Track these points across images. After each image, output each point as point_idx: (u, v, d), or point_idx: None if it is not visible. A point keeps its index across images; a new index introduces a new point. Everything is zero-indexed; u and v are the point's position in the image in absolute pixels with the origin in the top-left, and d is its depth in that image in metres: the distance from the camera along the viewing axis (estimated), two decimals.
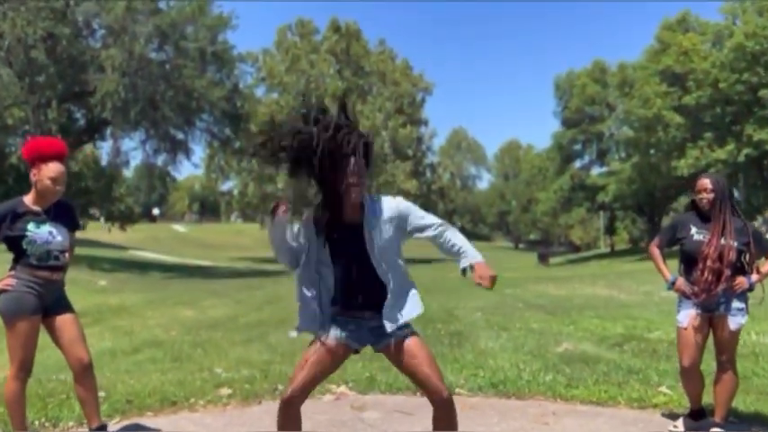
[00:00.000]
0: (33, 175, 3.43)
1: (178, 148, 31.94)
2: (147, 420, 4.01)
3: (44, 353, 7.31)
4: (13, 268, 3.43)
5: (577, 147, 49.45)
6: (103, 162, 43.38)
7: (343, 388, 4.81)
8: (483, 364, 5.62)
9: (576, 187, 48.16)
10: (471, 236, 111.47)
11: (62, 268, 3.60)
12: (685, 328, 3.70)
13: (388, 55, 54.95)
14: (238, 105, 31.46)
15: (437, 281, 24.14)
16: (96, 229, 51.29)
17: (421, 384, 2.81)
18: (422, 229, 2.93)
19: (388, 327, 2.77)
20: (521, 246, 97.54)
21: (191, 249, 53.11)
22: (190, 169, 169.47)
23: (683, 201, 50.92)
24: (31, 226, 3.40)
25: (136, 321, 10.72)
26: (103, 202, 49.33)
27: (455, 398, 4.57)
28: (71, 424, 3.88)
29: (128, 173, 49.93)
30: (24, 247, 3.39)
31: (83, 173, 45.13)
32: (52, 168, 3.42)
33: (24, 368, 3.47)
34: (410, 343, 2.80)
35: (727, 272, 3.60)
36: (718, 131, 32.90)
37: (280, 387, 4.79)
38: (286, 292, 16.32)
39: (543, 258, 44.72)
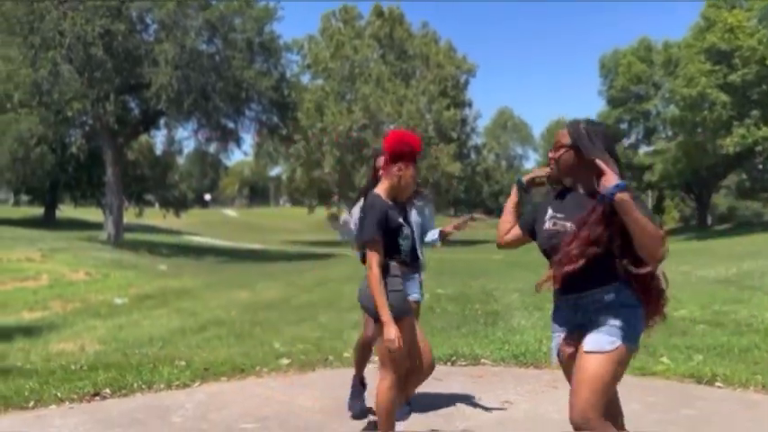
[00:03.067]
0: (398, 170, 3.25)
1: (229, 137, 33.11)
2: (222, 384, 4.85)
3: (124, 331, 8.30)
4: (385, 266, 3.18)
5: (623, 126, 49.00)
6: (158, 151, 45.09)
7: None
8: (510, 340, 6.31)
9: (623, 166, 47.65)
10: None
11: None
12: None
13: (431, 38, 55.11)
14: (285, 94, 32.39)
15: (480, 263, 24.74)
16: (153, 216, 53.27)
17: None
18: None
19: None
20: None
21: (242, 233, 54.69)
22: (240, 156, 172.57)
23: (732, 179, 50.11)
24: (401, 221, 3.27)
25: (198, 303, 11.68)
26: (158, 189, 51.19)
27: (480, 367, 5.31)
28: (162, 386, 4.73)
29: (180, 160, 51.54)
30: (400, 242, 3.24)
31: (138, 161, 46.95)
32: (414, 168, 3.35)
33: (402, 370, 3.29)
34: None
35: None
36: (764, 109, 32.40)
37: (330, 358, 5.58)
38: (334, 275, 17.20)
39: None
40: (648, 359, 5.25)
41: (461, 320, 8.21)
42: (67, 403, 4.21)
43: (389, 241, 3.17)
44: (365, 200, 3.39)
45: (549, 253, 2.63)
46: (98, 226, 31.48)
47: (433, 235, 4.17)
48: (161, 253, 27.41)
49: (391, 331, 3.01)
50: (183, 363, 5.36)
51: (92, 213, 49.06)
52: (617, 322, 2.44)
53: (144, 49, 28.78)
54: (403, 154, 3.26)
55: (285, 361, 5.48)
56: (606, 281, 2.48)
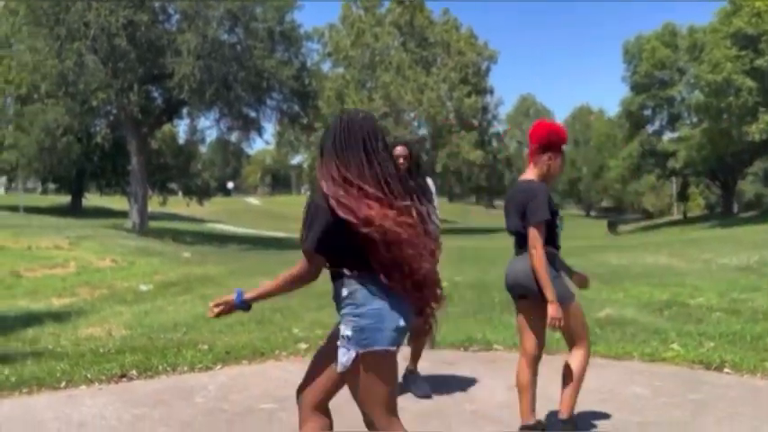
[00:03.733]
0: (548, 159, 3.38)
1: (250, 126, 33.40)
2: (243, 367, 5.05)
3: (149, 317, 8.56)
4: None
5: (647, 112, 48.43)
6: (181, 140, 45.59)
7: None
8: None
9: (646, 153, 47.35)
10: None
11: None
12: None
13: (452, 24, 54.87)
14: (306, 83, 32.56)
15: (499, 251, 24.78)
16: (176, 204, 53.92)
17: None
18: None
19: None
20: (592, 213, 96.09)
21: (264, 221, 55.15)
22: (261, 144, 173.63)
23: (759, 166, 49.35)
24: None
25: (221, 290, 11.91)
26: (181, 178, 51.80)
27: (492, 353, 5.45)
28: (186, 368, 4.94)
29: (203, 149, 52.11)
30: (557, 225, 3.45)
31: (162, 150, 47.53)
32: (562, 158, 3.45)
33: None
34: None
35: None
36: None
37: None
38: None
39: (612, 227, 44.42)
40: (659, 346, 5.35)
41: (478, 307, 8.33)
42: (97, 384, 4.44)
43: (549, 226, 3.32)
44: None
45: None
46: (123, 214, 32.02)
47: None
48: (185, 241, 27.83)
49: (557, 310, 3.31)
50: (205, 346, 5.57)
51: (117, 202, 49.78)
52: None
53: (166, 40, 29.08)
54: (552, 144, 3.38)
55: (303, 345, 5.67)
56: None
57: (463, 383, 4.40)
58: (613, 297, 9.30)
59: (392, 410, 2.40)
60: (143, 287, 12.61)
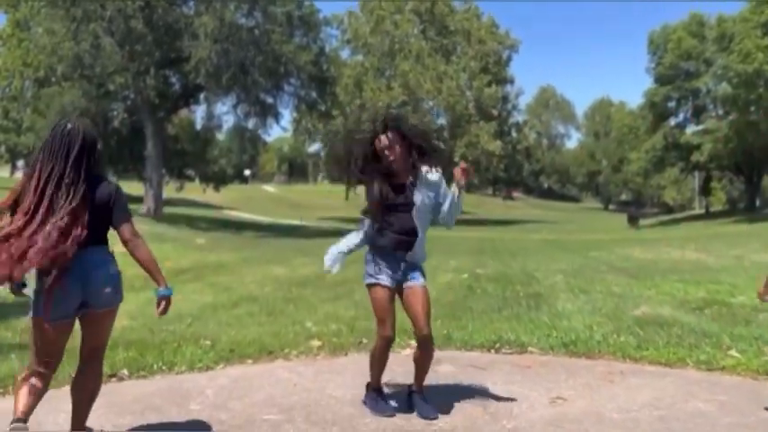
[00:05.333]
0: None
1: (267, 112, 32.95)
2: (247, 367, 4.53)
3: (154, 306, 8.10)
4: None
5: (671, 104, 47.27)
6: (198, 126, 45.20)
7: None
8: (557, 325, 5.86)
9: (670, 146, 46.25)
10: (559, 196, 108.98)
11: None
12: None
13: (473, 13, 54.00)
14: (324, 69, 32.00)
15: (519, 242, 24.19)
16: (193, 191, 53.70)
17: (412, 319, 3.56)
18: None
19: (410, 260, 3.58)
20: (611, 207, 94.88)
21: (281, 209, 54.83)
22: (278, 132, 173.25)
23: None
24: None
25: (233, 278, 11.47)
26: (198, 164, 51.49)
27: (527, 356, 4.90)
28: (183, 368, 4.43)
29: (220, 136, 51.78)
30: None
31: (179, 136, 47.19)
32: None
33: None
34: (420, 290, 3.56)
35: None
36: None
37: (364, 340, 5.23)
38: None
39: (633, 220, 43.52)
40: (714, 352, 4.76)
41: (503, 303, 7.77)
42: None
43: None
44: None
45: None
46: (140, 200, 31.73)
47: (449, 198, 3.65)
48: (200, 227, 27.49)
49: None
50: (208, 342, 5.06)
51: (134, 188, 49.50)
52: None
53: (184, 23, 28.64)
54: None
55: (316, 343, 5.14)
56: None
57: (498, 394, 3.85)
58: (645, 293, 8.71)
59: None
60: None
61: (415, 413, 3.54)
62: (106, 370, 4.20)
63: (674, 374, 4.34)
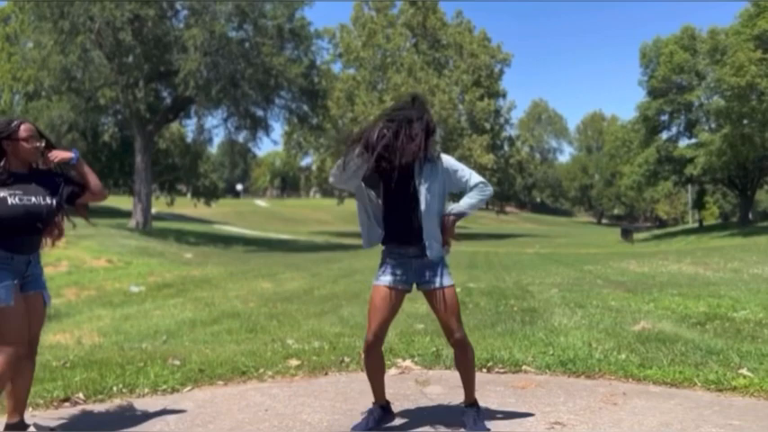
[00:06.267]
0: None
1: (258, 125, 32.65)
2: (216, 389, 4.15)
3: (129, 322, 7.71)
4: None
5: (664, 118, 47.15)
6: (189, 140, 44.94)
7: (408, 362, 4.83)
8: (553, 342, 5.51)
9: (663, 160, 46.08)
10: (552, 211, 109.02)
11: None
12: None
13: (465, 27, 54.00)
14: (315, 81, 31.77)
15: (512, 256, 23.87)
16: (184, 205, 53.29)
17: (441, 325, 3.34)
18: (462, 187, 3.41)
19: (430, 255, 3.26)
20: (604, 221, 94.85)
21: (272, 224, 54.45)
22: (270, 146, 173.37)
23: None
24: None
25: (217, 293, 11.10)
26: (189, 178, 51.15)
27: (522, 375, 4.54)
28: (146, 390, 4.05)
29: (212, 150, 51.51)
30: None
31: (170, 150, 46.89)
32: None
33: None
34: (446, 292, 3.28)
35: None
36: None
37: (346, 359, 4.86)
38: (361, 266, 16.50)
39: (627, 234, 43.30)
40: (725, 371, 4.41)
41: (496, 318, 7.43)
42: (30, 410, 3.53)
43: None
44: None
45: None
46: (130, 214, 31.29)
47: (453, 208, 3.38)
48: (188, 241, 27.06)
49: None
50: (177, 362, 4.67)
51: (124, 202, 49.19)
52: None
53: (173, 36, 28.40)
54: None
55: (294, 362, 4.75)
56: None
57: (491, 419, 3.49)
58: (644, 308, 8.38)
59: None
60: (134, 288, 11.81)
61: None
62: (59, 393, 3.84)
63: (681, 396, 3.99)
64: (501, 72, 55.40)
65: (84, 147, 40.58)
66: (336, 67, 49.69)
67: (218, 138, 46.05)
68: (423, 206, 3.20)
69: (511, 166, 57.94)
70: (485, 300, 9.28)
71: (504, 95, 56.75)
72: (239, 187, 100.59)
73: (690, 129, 46.92)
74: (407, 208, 3.21)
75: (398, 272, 3.28)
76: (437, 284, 3.27)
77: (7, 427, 3.04)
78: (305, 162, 56.12)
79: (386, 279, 3.27)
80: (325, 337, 5.99)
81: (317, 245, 32.31)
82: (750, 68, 31.28)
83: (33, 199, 3.04)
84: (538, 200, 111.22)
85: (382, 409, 3.47)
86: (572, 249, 30.81)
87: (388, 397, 3.55)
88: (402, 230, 3.24)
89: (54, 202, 3.13)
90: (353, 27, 51.63)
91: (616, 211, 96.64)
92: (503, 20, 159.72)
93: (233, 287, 12.14)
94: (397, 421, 3.49)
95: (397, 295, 3.29)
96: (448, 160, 3.38)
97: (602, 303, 8.75)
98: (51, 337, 6.33)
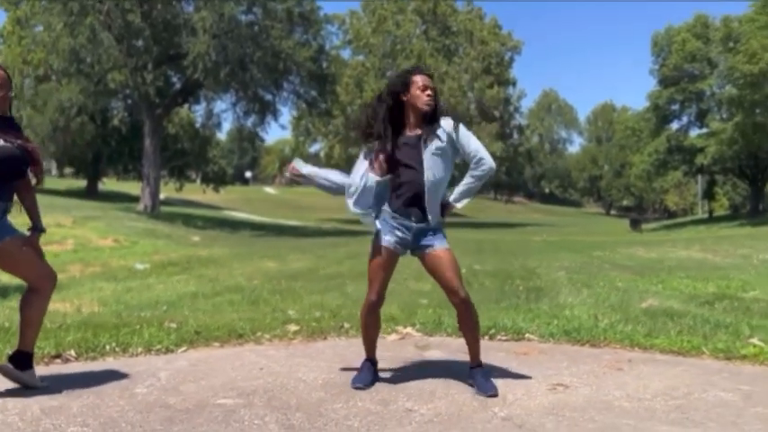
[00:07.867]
0: None
1: (266, 109, 32.54)
2: (212, 350, 4.07)
3: (130, 294, 7.66)
4: None
5: (675, 107, 46.69)
6: (198, 125, 44.91)
7: (409, 329, 4.75)
8: (558, 314, 5.41)
9: (673, 149, 45.68)
10: (560, 201, 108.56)
11: None
12: None
13: (475, 14, 53.58)
14: (324, 66, 31.58)
15: (521, 243, 23.69)
16: (193, 191, 53.37)
17: (443, 286, 3.31)
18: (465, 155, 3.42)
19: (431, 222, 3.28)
20: (612, 212, 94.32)
21: (281, 210, 54.40)
22: (278, 132, 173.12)
23: None
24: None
25: (222, 271, 11.03)
26: (199, 164, 51.16)
27: (525, 343, 4.44)
28: (140, 350, 3.97)
29: (222, 136, 51.43)
30: None
31: (179, 135, 46.84)
32: None
33: None
34: (446, 252, 3.28)
35: None
36: None
37: (346, 325, 4.77)
38: (368, 250, 16.41)
39: (636, 224, 42.97)
40: (734, 340, 4.29)
41: (500, 295, 7.32)
42: None
43: None
44: None
45: None
46: (139, 199, 31.33)
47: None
48: (196, 225, 27.02)
49: None
50: (173, 325, 4.59)
51: (134, 187, 49.27)
52: None
53: (182, 18, 28.28)
54: None
55: (293, 327, 4.67)
56: None
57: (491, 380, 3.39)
58: (652, 288, 8.25)
59: None
60: (139, 266, 11.75)
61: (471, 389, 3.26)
62: (50, 350, 3.77)
63: (688, 363, 3.88)
64: (511, 60, 55.07)
65: (94, 130, 40.62)
66: (346, 54, 49.46)
67: (227, 123, 46.26)
68: (428, 174, 3.23)
69: (520, 154, 57.68)
70: (490, 280, 9.18)
71: (514, 84, 56.43)
72: (248, 174, 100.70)
73: (701, 118, 46.46)
74: (413, 174, 3.24)
75: (399, 234, 3.29)
76: (436, 246, 3.28)
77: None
78: (313, 149, 55.97)
79: (389, 239, 3.28)
80: (328, 308, 5.91)
81: (325, 230, 32.24)
82: (764, 56, 30.85)
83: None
84: (546, 190, 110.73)
85: (373, 364, 3.46)
86: (580, 237, 30.59)
87: (387, 360, 3.50)
88: (406, 196, 3.26)
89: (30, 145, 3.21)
90: (363, 13, 51.33)
91: (625, 203, 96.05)
92: (513, 8, 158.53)
93: (238, 266, 12.06)
94: (398, 381, 3.40)
95: (395, 257, 3.34)
96: (462, 132, 3.42)
97: (609, 284, 8.63)
98: (51, 305, 6.26)
